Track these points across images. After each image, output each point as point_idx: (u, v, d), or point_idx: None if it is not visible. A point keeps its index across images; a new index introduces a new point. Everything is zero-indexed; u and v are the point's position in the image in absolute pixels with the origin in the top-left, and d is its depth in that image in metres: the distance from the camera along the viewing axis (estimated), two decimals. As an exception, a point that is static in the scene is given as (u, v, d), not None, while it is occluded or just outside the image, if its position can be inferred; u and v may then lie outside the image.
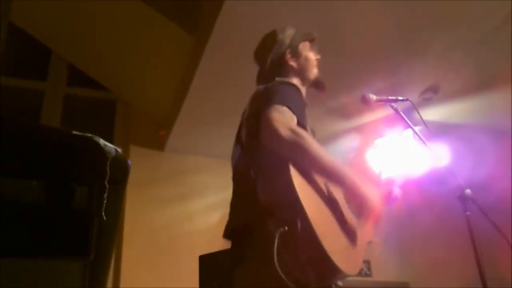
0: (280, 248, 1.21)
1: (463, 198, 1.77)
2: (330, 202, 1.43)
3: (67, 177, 1.11)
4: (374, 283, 4.82)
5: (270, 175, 1.34)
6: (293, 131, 1.33)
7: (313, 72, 1.78)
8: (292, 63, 1.75)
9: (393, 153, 4.20)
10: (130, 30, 3.93)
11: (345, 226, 1.44)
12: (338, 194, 1.51)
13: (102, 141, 1.12)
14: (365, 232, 1.58)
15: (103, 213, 1.09)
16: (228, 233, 1.51)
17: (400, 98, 1.98)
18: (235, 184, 1.56)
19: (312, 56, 1.80)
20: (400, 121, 1.98)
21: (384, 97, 1.95)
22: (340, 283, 1.47)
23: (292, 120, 1.39)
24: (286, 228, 1.22)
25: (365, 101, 1.90)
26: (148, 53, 4.06)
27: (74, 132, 1.12)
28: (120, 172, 1.16)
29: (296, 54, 1.76)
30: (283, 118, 1.36)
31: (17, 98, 4.52)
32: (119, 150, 1.16)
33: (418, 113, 2.04)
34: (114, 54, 4.31)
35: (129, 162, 1.22)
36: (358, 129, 4.42)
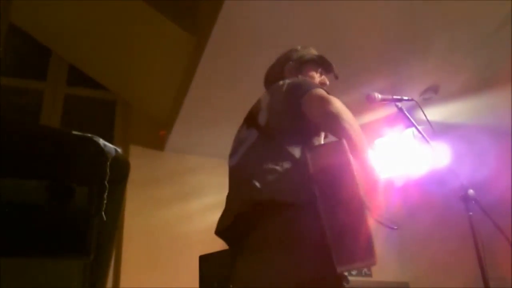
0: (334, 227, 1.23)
1: (466, 198, 1.77)
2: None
3: (67, 177, 1.11)
4: (374, 283, 4.82)
5: (324, 150, 1.39)
6: (342, 105, 1.45)
7: None
8: (291, 71, 1.81)
9: (393, 153, 4.21)
10: (130, 30, 3.93)
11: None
12: None
13: (102, 141, 1.12)
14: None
15: (103, 213, 1.08)
16: (227, 224, 1.49)
17: (405, 97, 1.99)
18: (245, 166, 1.55)
19: (316, 78, 1.84)
20: (401, 121, 1.98)
21: (389, 97, 1.96)
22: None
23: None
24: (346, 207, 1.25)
25: (370, 100, 1.91)
26: (148, 53, 4.06)
27: (74, 132, 1.12)
28: (120, 172, 1.15)
29: (299, 70, 1.83)
30: (328, 96, 1.48)
31: (17, 98, 4.52)
32: (119, 150, 1.16)
33: (423, 112, 2.04)
34: (114, 54, 4.31)
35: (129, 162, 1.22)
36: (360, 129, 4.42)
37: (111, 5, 3.75)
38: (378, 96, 1.90)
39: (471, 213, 1.74)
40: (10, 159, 1.03)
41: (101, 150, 1.10)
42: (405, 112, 1.96)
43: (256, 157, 1.51)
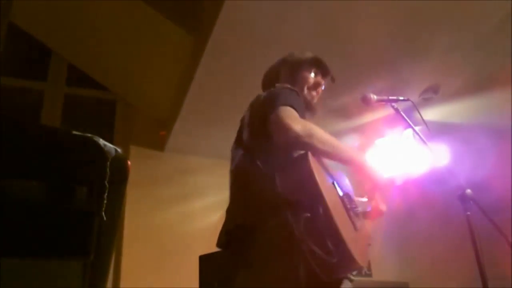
0: (304, 236, 1.25)
1: (463, 198, 1.77)
2: (337, 189, 1.50)
3: (67, 177, 1.11)
4: (374, 283, 4.82)
5: (289, 168, 1.41)
6: (303, 124, 1.44)
7: (304, 90, 1.81)
8: (287, 77, 1.81)
9: (393, 153, 4.21)
10: (130, 30, 3.93)
11: (351, 215, 1.49)
12: (341, 181, 1.58)
13: (102, 141, 1.12)
14: (367, 225, 1.65)
15: (103, 213, 1.09)
16: (226, 237, 1.55)
17: (401, 98, 1.99)
18: (236, 185, 1.59)
19: (310, 79, 1.83)
20: (400, 121, 1.98)
21: (385, 97, 1.96)
22: (351, 277, 1.48)
23: (298, 116, 1.48)
24: (309, 215, 1.27)
25: (366, 101, 1.91)
26: (148, 53, 4.06)
27: (74, 132, 1.12)
28: (120, 172, 1.15)
29: (292, 71, 1.83)
30: (292, 115, 1.46)
31: (17, 98, 4.52)
32: (119, 150, 1.16)
33: (419, 113, 2.04)
34: (114, 54, 4.31)
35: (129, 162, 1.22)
36: (358, 129, 4.42)
37: (111, 5, 3.75)
38: (374, 97, 1.90)
39: (468, 213, 1.74)
40: (10, 159, 1.03)
41: (101, 150, 1.10)
42: (401, 112, 1.96)
43: (241, 178, 1.57)
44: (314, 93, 1.84)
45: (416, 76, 3.78)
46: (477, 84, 3.92)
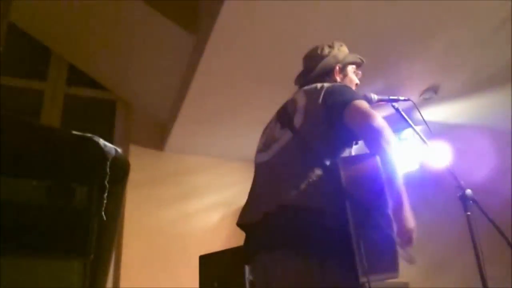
0: (359, 229, 1.29)
1: (464, 198, 1.77)
2: None
3: (67, 177, 1.11)
4: (373, 283, 4.81)
5: (357, 164, 1.45)
6: (384, 122, 1.48)
7: None
8: (338, 77, 1.86)
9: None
10: (130, 30, 3.93)
11: None
12: None
13: (102, 141, 1.12)
14: None
15: (103, 213, 1.09)
16: (255, 220, 1.52)
17: (402, 98, 1.99)
18: (282, 165, 1.58)
19: (355, 80, 1.92)
20: (400, 121, 1.98)
21: (386, 97, 1.96)
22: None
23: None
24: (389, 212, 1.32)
25: (366, 101, 1.91)
26: (148, 53, 4.06)
27: (74, 132, 1.12)
28: (120, 172, 1.15)
29: (343, 71, 1.90)
30: (372, 110, 1.51)
31: (17, 98, 4.52)
32: (119, 150, 1.16)
33: (420, 113, 2.04)
34: (114, 54, 4.31)
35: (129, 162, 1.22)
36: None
37: (111, 5, 3.75)
38: (374, 96, 1.91)
39: (469, 213, 1.74)
40: (10, 159, 1.03)
41: (101, 150, 1.10)
42: (402, 112, 1.96)
43: (289, 159, 1.56)
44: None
45: (416, 76, 3.78)
46: (477, 84, 3.92)
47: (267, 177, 1.61)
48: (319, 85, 1.69)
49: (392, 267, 1.32)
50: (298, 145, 1.55)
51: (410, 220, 1.44)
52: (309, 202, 1.41)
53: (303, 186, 1.44)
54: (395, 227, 1.39)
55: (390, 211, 1.39)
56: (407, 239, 1.43)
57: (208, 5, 3.40)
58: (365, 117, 1.48)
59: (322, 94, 1.62)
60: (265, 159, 1.65)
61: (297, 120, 1.62)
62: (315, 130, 1.56)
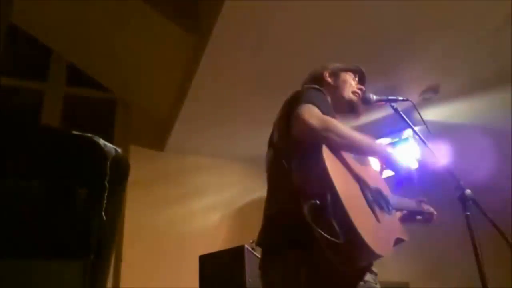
0: (311, 222, 1.30)
1: (463, 198, 1.77)
2: (361, 182, 1.54)
3: (67, 177, 1.11)
4: (374, 283, 4.82)
5: (303, 159, 1.46)
6: (321, 119, 1.47)
7: (348, 94, 1.88)
8: (329, 79, 1.87)
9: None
10: (130, 30, 3.93)
11: (374, 208, 1.52)
12: (371, 178, 1.64)
13: (102, 141, 1.12)
14: (396, 218, 1.73)
15: (103, 213, 1.08)
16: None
17: (401, 98, 1.99)
18: (268, 183, 1.66)
19: (351, 82, 1.91)
20: (400, 121, 1.98)
21: (384, 97, 1.97)
22: (372, 276, 1.51)
23: (319, 112, 1.52)
24: (317, 201, 1.31)
25: (365, 101, 1.91)
26: (148, 53, 4.06)
27: (74, 132, 1.12)
28: (120, 172, 1.15)
29: (335, 74, 1.90)
30: (310, 111, 1.50)
31: (17, 98, 4.52)
32: (119, 150, 1.16)
33: (419, 113, 2.04)
34: (114, 54, 4.31)
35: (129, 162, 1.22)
36: (358, 129, 4.42)
37: (111, 5, 3.75)
38: (373, 97, 1.91)
39: (468, 213, 1.74)
40: (10, 159, 1.03)
41: (101, 150, 1.10)
42: (401, 112, 1.97)
43: (272, 177, 1.65)
44: (353, 95, 1.91)
45: (416, 76, 3.78)
46: (477, 84, 3.92)
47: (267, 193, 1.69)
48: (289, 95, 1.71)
49: (364, 249, 1.30)
50: (277, 162, 1.60)
51: (401, 160, 1.57)
52: (284, 210, 1.49)
53: (279, 199, 1.54)
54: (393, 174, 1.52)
55: (384, 167, 1.55)
56: (409, 175, 1.57)
57: (208, 6, 3.40)
58: (297, 125, 1.49)
59: (285, 103, 1.65)
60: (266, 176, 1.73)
61: (274, 137, 1.68)
62: (283, 143, 1.61)
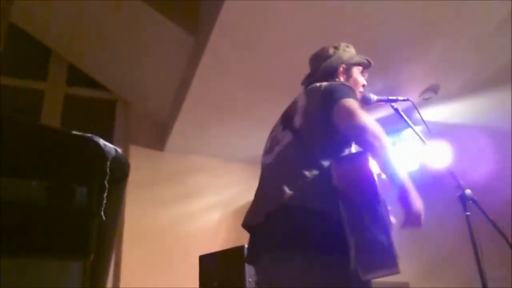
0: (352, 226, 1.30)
1: (463, 198, 1.77)
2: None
3: (67, 177, 1.11)
4: (374, 283, 4.81)
5: (348, 163, 1.46)
6: (369, 118, 1.48)
7: (356, 93, 1.85)
8: (342, 78, 1.85)
9: (393, 153, 4.20)
10: (130, 30, 3.93)
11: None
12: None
13: (102, 141, 1.12)
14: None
15: (102, 213, 1.08)
16: (264, 218, 1.52)
17: (401, 98, 1.99)
18: (282, 165, 1.60)
19: (360, 80, 1.90)
20: (400, 121, 1.98)
21: (384, 97, 1.97)
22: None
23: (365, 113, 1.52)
24: (362, 205, 1.33)
25: (365, 101, 1.91)
26: (148, 53, 4.06)
27: (74, 132, 1.12)
28: (120, 172, 1.16)
29: (348, 72, 1.88)
30: (360, 108, 1.51)
31: (17, 98, 4.52)
32: (119, 150, 1.16)
33: (419, 113, 2.04)
34: (114, 54, 4.31)
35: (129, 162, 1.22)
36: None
37: (111, 5, 3.75)
38: (374, 97, 1.91)
39: (468, 213, 1.74)
40: (10, 159, 1.03)
41: (101, 150, 1.10)
42: (401, 112, 1.96)
43: (289, 159, 1.58)
44: (360, 93, 1.90)
45: (416, 76, 3.78)
46: (477, 84, 3.92)
47: (270, 178, 1.63)
48: (318, 84, 1.69)
49: (390, 264, 1.32)
50: (297, 146, 1.57)
51: (417, 202, 1.44)
52: (305, 202, 1.43)
53: (300, 186, 1.46)
54: (402, 213, 1.42)
55: (396, 200, 1.42)
56: (417, 221, 1.46)
57: (208, 6, 3.40)
58: (348, 116, 1.49)
59: (321, 93, 1.62)
60: (269, 161, 1.67)
61: (297, 121, 1.63)
62: (313, 130, 1.57)
